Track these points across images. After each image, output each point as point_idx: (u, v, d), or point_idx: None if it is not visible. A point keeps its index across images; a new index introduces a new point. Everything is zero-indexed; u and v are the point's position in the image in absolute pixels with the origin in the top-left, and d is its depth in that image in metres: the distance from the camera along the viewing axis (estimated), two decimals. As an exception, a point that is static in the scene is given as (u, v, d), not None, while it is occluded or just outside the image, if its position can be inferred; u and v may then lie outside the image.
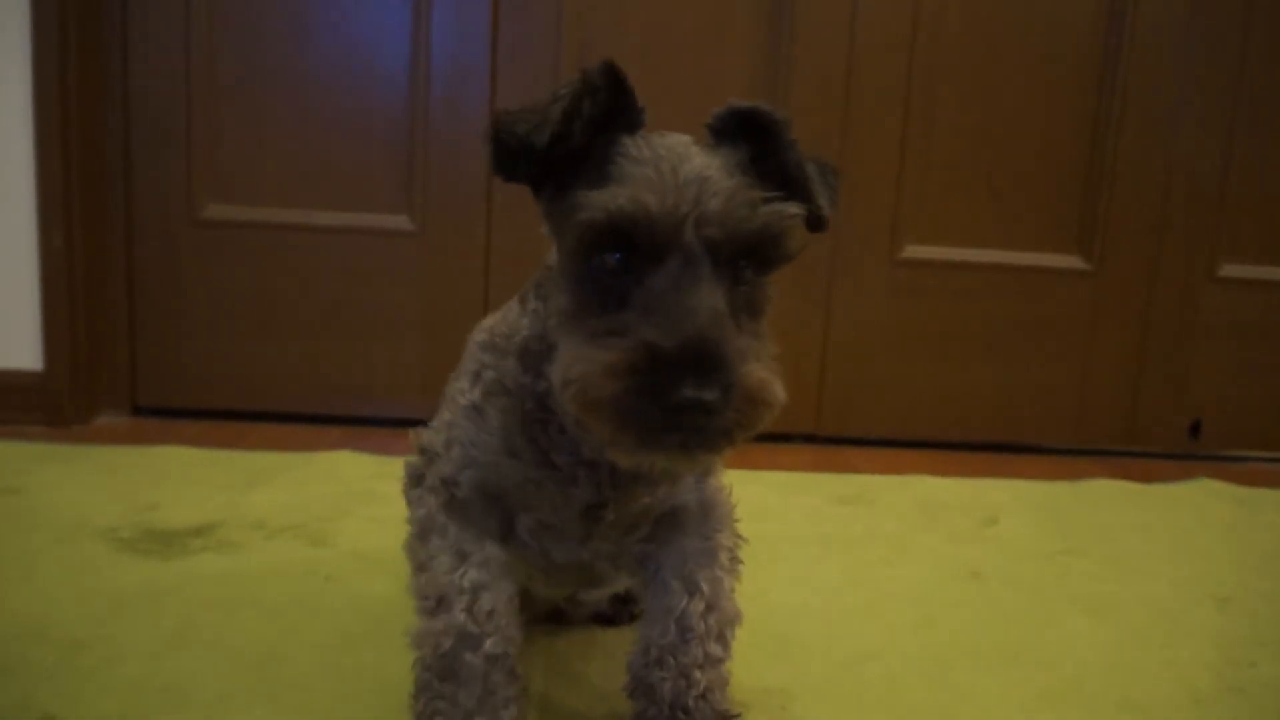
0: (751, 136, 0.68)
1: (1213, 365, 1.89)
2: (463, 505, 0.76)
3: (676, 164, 0.63)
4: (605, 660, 0.93)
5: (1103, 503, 1.56)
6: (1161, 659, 1.00)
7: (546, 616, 0.99)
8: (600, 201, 0.61)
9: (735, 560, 0.80)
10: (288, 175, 1.72)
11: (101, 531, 1.19)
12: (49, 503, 1.28)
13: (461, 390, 0.77)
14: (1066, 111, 1.79)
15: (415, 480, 0.82)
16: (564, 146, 0.64)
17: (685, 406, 0.56)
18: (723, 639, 0.78)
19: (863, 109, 1.76)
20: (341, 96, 1.70)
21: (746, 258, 0.63)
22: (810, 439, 1.85)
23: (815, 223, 0.69)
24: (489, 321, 0.80)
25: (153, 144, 1.69)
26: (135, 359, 1.75)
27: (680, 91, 1.70)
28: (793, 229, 0.64)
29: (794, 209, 0.63)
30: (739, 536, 0.82)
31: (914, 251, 1.81)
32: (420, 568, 0.77)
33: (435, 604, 0.75)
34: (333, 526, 1.25)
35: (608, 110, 0.65)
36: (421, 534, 0.77)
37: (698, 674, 0.76)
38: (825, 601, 1.10)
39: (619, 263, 0.62)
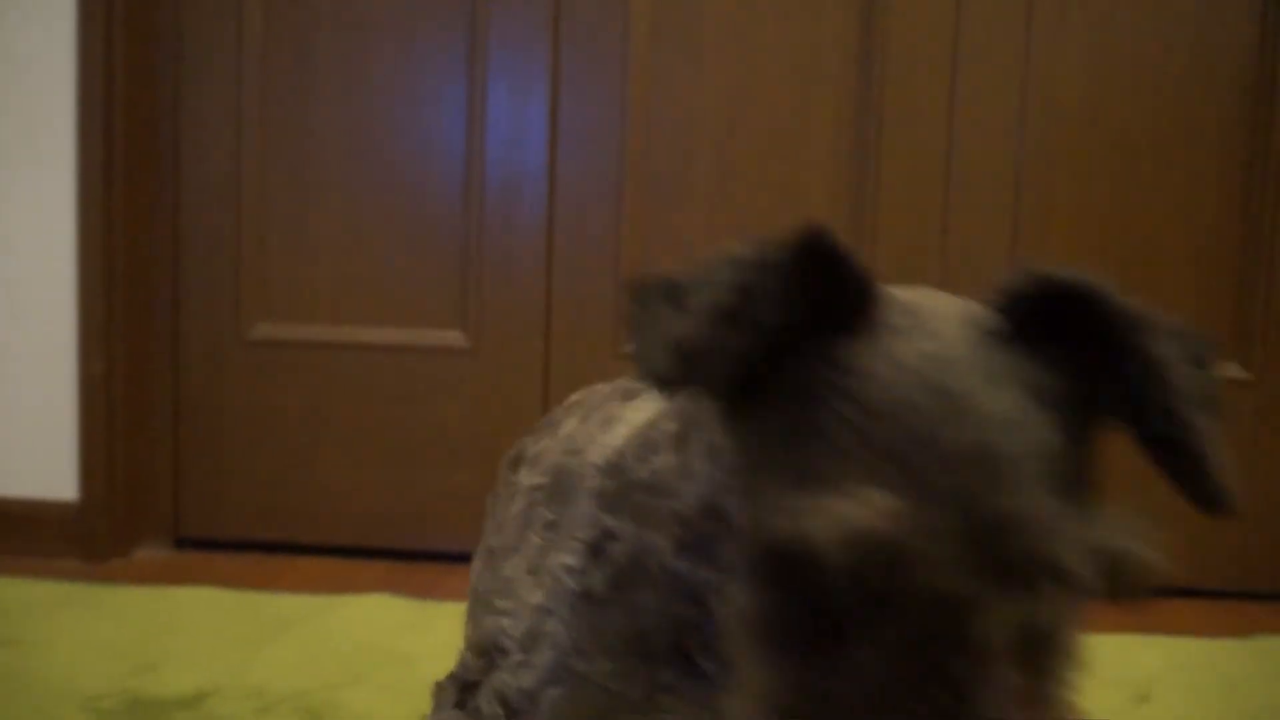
0: (1072, 322, 0.40)
1: None
2: None
3: (945, 419, 0.36)
4: None
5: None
6: None
7: None
8: (798, 521, 0.36)
9: None
10: (337, 290, 1.61)
11: (84, 702, 1.05)
12: (42, 661, 1.16)
13: (568, 567, 0.52)
14: (1214, 197, 1.55)
15: (458, 696, 0.58)
16: (720, 359, 0.39)
17: None
18: None
19: (965, 200, 1.56)
20: (393, 208, 1.60)
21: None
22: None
23: (1207, 501, 0.40)
24: (598, 453, 0.54)
25: (201, 260, 1.61)
26: (178, 489, 1.64)
27: (757, 189, 1.54)
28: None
29: (1156, 556, 0.37)
30: None
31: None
32: None
33: None
34: (339, 696, 1.08)
35: (807, 302, 0.39)
36: None
37: None
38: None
39: (829, 603, 0.37)
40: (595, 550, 0.52)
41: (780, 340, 0.39)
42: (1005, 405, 0.37)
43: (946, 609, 0.34)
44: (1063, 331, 0.40)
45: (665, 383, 0.39)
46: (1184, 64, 1.53)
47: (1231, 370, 1.56)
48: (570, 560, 0.52)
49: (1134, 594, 0.36)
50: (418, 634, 1.26)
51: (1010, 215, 1.56)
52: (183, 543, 1.66)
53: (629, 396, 0.60)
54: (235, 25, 1.57)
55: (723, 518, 0.46)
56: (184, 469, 1.64)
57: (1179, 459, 0.40)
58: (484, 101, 1.58)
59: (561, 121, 1.58)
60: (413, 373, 1.62)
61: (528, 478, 0.61)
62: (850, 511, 0.34)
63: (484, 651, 0.56)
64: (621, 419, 0.56)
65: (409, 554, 1.62)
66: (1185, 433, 0.39)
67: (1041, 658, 0.37)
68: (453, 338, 1.61)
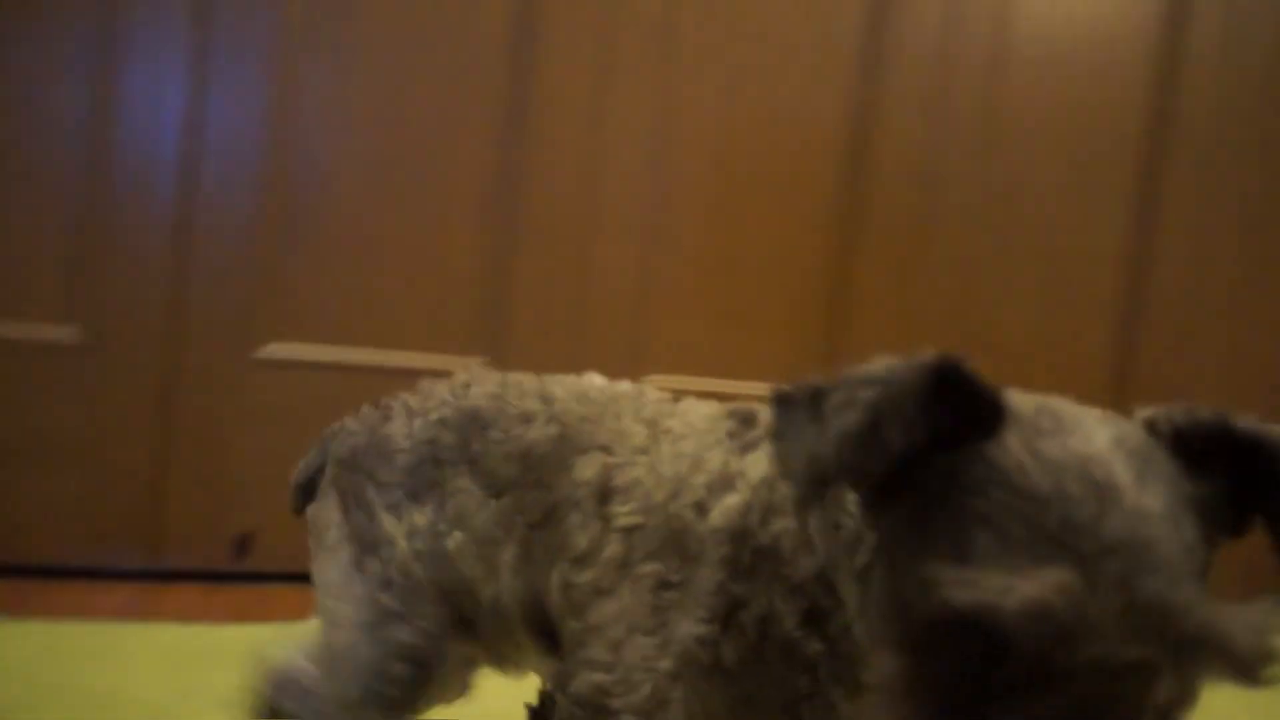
0: (1229, 460, 0.44)
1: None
2: None
3: (1102, 509, 0.39)
4: None
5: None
6: None
7: None
8: (977, 594, 0.38)
9: None
10: None
11: None
12: None
13: (700, 639, 0.54)
14: (816, 243, 1.74)
15: None
16: (854, 475, 0.43)
17: None
18: None
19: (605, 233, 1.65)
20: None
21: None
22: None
23: None
24: (721, 517, 0.55)
25: None
26: None
27: (408, 189, 1.56)
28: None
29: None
30: None
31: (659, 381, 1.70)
32: None
33: None
34: None
35: (940, 420, 0.43)
36: None
37: None
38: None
39: (980, 669, 0.39)
40: (726, 621, 0.53)
41: (918, 449, 0.42)
42: (1155, 501, 0.40)
43: (1116, 677, 0.37)
44: (1197, 449, 0.44)
45: (805, 489, 0.43)
46: (793, 124, 1.72)
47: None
48: (701, 631, 0.54)
49: (1271, 678, 0.39)
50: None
51: (649, 235, 1.68)
52: None
53: (738, 436, 0.59)
54: None
55: (834, 592, 0.49)
56: None
57: None
58: (116, 85, 1.48)
59: (204, 112, 1.51)
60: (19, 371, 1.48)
61: (625, 517, 0.60)
62: (1031, 587, 0.37)
63: (584, 704, 0.57)
64: (740, 474, 0.57)
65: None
66: None
67: None
68: (65, 333, 1.49)
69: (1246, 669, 0.38)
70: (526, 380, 0.74)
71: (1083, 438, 0.42)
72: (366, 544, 0.72)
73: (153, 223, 1.50)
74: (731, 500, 0.56)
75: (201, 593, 1.48)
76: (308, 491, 0.81)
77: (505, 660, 0.76)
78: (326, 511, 0.77)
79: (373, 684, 0.70)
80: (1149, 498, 0.40)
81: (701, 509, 0.57)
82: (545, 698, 0.79)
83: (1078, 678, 0.37)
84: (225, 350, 1.53)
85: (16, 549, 1.47)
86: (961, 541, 0.40)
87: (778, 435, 0.45)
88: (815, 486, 0.43)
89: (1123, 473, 0.41)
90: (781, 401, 0.45)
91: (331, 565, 0.74)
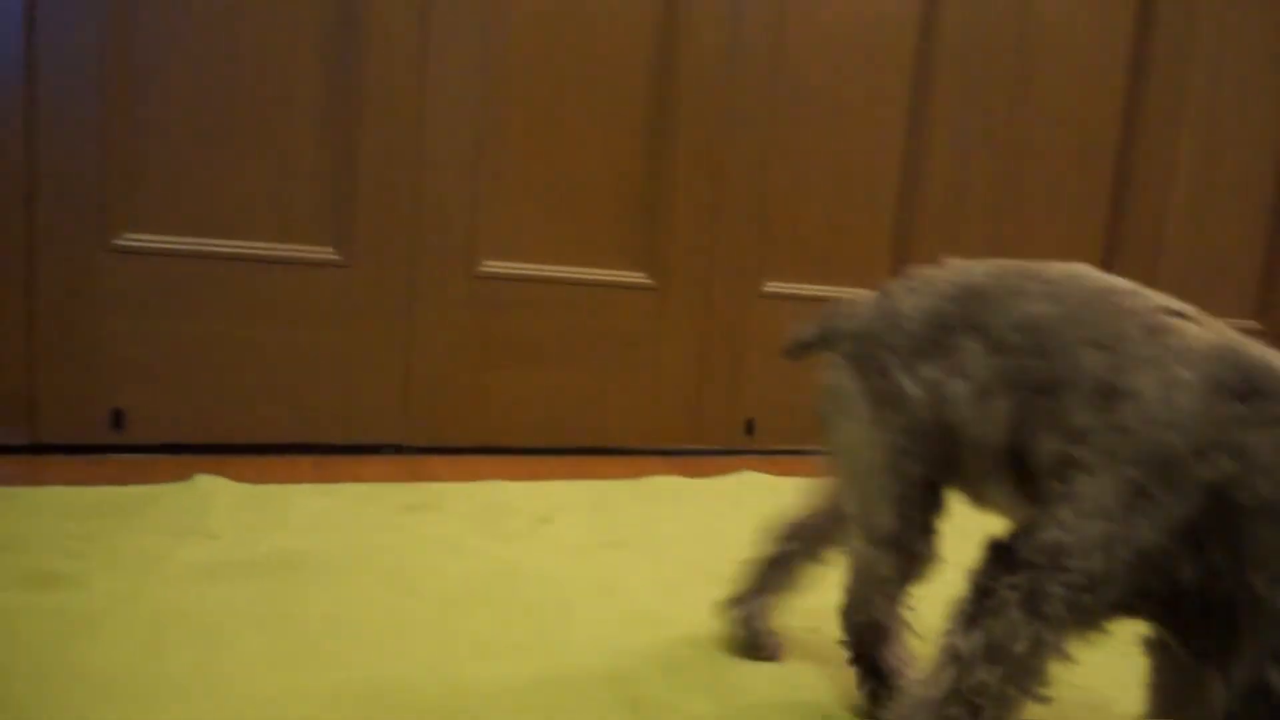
0: None
1: (762, 371, 2.13)
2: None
3: None
4: None
5: (657, 497, 1.72)
6: (648, 638, 1.12)
7: None
8: None
9: None
10: None
11: None
12: None
13: (1162, 534, 0.65)
14: (628, 137, 1.96)
15: (1028, 603, 0.69)
16: None
17: None
18: None
19: (436, 126, 1.82)
20: None
21: None
22: (398, 450, 1.88)
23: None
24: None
25: None
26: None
27: (249, 79, 1.68)
28: None
29: None
30: None
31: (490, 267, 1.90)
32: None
33: None
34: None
35: None
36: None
37: None
38: (351, 609, 1.13)
39: None
40: (1183, 548, 0.65)
41: None
42: None
43: None
44: None
45: None
46: (609, 21, 1.91)
47: (642, 279, 1.99)
48: (1163, 543, 0.65)
49: None
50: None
51: (480, 128, 1.85)
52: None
53: (1244, 399, 0.66)
54: None
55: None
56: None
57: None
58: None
59: (44, 13, 1.58)
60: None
61: (1125, 419, 0.69)
62: None
63: (1044, 551, 0.68)
64: (1241, 450, 0.65)
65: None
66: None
67: None
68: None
69: None
70: (1023, 264, 0.83)
71: None
72: (884, 399, 0.86)
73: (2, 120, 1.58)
74: (1226, 466, 0.64)
75: (84, 463, 1.63)
76: (798, 351, 0.97)
77: (979, 498, 0.87)
78: (843, 380, 0.90)
79: (904, 511, 0.86)
80: None
81: (1200, 455, 0.65)
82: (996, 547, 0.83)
83: None
84: (83, 240, 1.64)
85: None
86: None
87: None
88: None
89: None
90: None
91: (853, 424, 0.89)
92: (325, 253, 1.78)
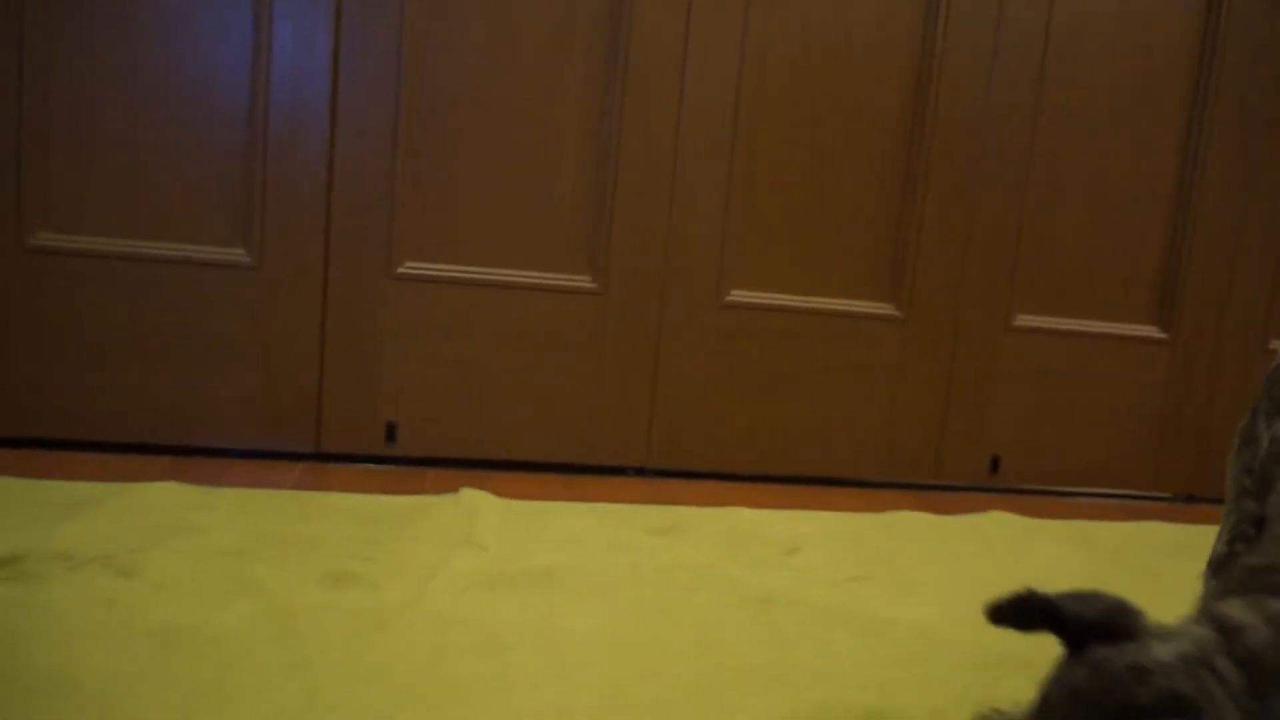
0: None
1: (1010, 406, 2.05)
2: None
3: None
4: None
5: (903, 532, 1.68)
6: (914, 674, 1.10)
7: None
8: None
9: None
10: (121, 205, 1.71)
11: (-104, 563, 1.17)
12: None
13: None
14: (879, 170, 1.94)
15: None
16: None
17: None
18: None
19: (690, 161, 1.86)
20: (175, 134, 1.71)
21: None
22: (640, 472, 1.93)
23: None
24: None
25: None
26: (-48, 386, 1.71)
27: (518, 131, 1.78)
28: None
29: None
30: None
31: (738, 296, 1.92)
32: None
33: None
34: (143, 557, 1.25)
35: None
36: None
37: None
38: (615, 627, 1.17)
39: None
40: None
41: None
42: None
43: None
44: None
45: None
46: (863, 54, 1.90)
47: (889, 309, 1.96)
48: None
49: None
50: (205, 512, 1.45)
51: (725, 177, 1.88)
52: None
53: None
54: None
55: None
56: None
57: None
58: (269, 37, 1.72)
59: (343, 60, 1.74)
60: (199, 285, 1.75)
61: None
62: None
63: None
64: None
65: (189, 450, 1.78)
66: None
67: None
68: (236, 254, 1.76)
69: None
70: None
71: None
72: (1244, 439, 0.96)
73: (306, 159, 1.75)
74: None
75: (361, 472, 1.76)
76: None
77: None
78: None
79: (1233, 542, 0.92)
80: None
81: None
82: None
83: None
84: (369, 269, 1.78)
85: (203, 434, 1.77)
86: None
87: None
88: None
89: None
90: None
91: (1230, 454, 0.99)
92: (582, 281, 1.86)
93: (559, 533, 1.50)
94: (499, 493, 1.65)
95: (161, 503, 1.47)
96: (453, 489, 1.64)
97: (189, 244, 1.74)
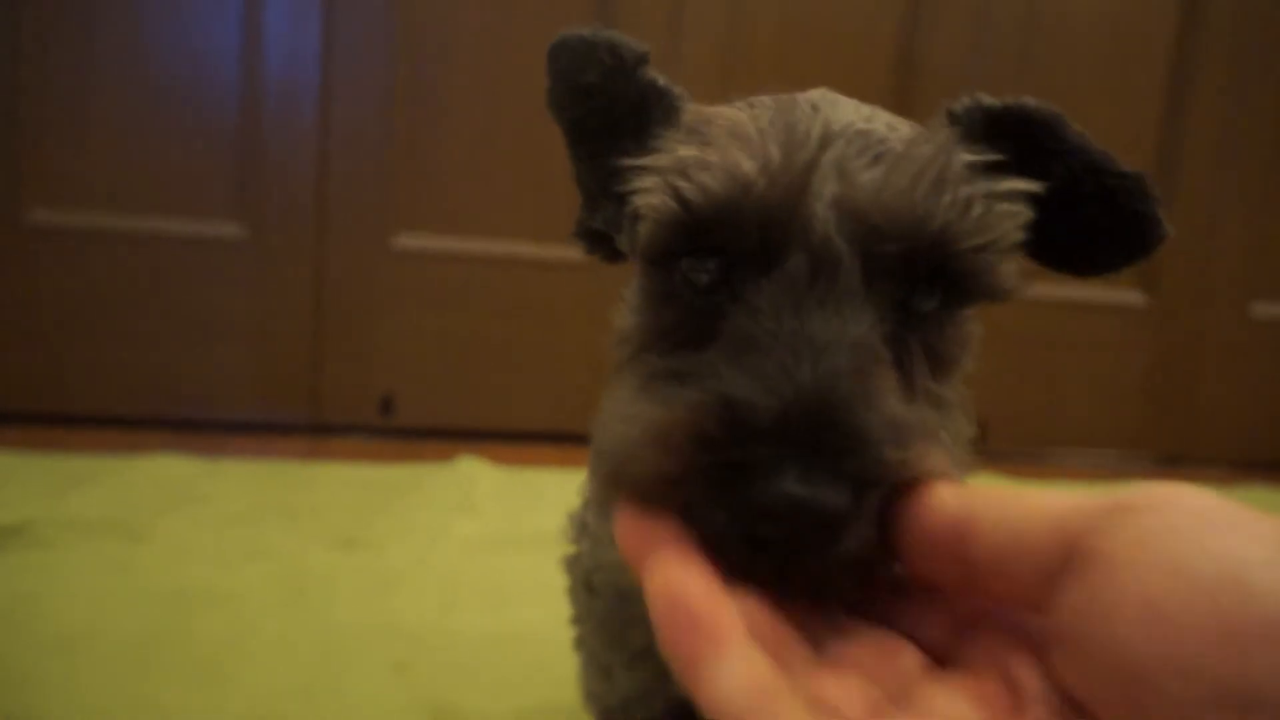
0: (1010, 140, 0.45)
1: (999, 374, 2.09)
2: None
3: (801, 115, 0.40)
4: None
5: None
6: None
7: None
8: (661, 179, 0.40)
9: None
10: (116, 181, 1.73)
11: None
12: None
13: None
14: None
15: None
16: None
17: (781, 511, 0.31)
18: None
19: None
20: (172, 113, 1.72)
21: (930, 277, 0.39)
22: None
23: (1148, 233, 0.46)
24: None
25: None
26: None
27: (514, 106, 1.80)
28: (1015, 235, 0.40)
29: (1022, 186, 0.40)
30: None
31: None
32: None
33: None
34: (153, 522, 1.28)
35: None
36: None
37: None
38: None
39: (713, 273, 0.39)
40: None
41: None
42: (880, 119, 0.44)
43: (811, 261, 0.36)
44: (1006, 140, 0.45)
45: None
46: (846, 35, 1.93)
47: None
48: None
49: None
50: (212, 481, 1.47)
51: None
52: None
53: None
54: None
55: None
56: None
57: (1113, 207, 0.46)
58: (263, 12, 1.73)
59: (337, 34, 1.75)
60: (196, 260, 1.77)
61: None
62: (684, 165, 0.39)
63: None
64: None
65: (188, 424, 1.80)
66: (1117, 179, 0.46)
67: (929, 381, 0.40)
68: (232, 230, 1.77)
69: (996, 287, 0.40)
70: None
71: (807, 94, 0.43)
72: None
73: (299, 137, 1.76)
74: None
75: (358, 443, 1.79)
76: None
77: None
78: None
79: None
80: (882, 118, 0.42)
81: None
82: None
83: (789, 253, 0.36)
84: (364, 242, 1.80)
85: (205, 407, 1.79)
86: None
87: None
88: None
89: (849, 103, 0.42)
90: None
91: None
92: (577, 252, 1.88)
93: (555, 499, 1.52)
94: (495, 461, 1.68)
95: (167, 473, 1.50)
96: (449, 458, 1.67)
97: (185, 219, 1.76)
